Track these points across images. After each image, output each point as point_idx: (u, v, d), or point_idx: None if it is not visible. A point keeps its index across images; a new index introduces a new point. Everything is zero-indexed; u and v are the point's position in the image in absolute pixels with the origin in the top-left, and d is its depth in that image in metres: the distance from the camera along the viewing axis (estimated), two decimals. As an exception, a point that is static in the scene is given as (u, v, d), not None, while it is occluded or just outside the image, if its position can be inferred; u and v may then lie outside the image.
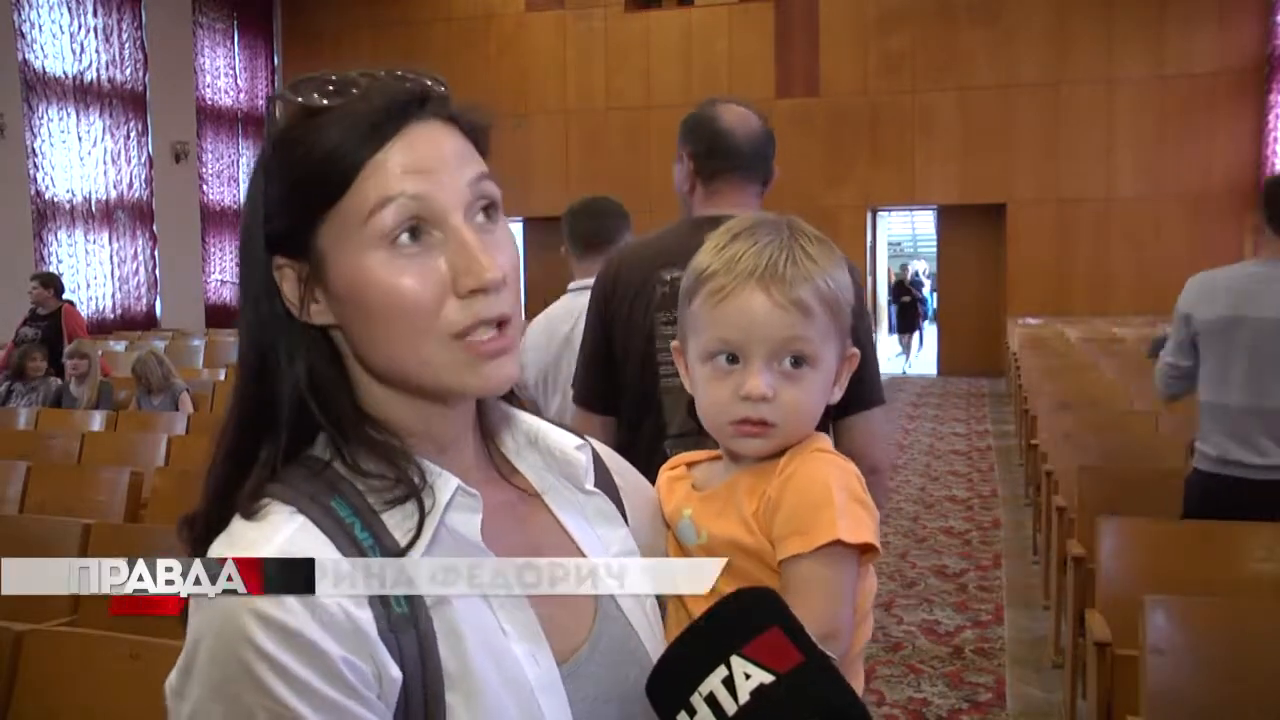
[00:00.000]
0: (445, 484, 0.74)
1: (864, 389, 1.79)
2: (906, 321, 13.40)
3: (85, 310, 11.21)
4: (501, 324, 0.73)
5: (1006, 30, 13.15)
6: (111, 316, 12.45)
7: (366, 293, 0.71)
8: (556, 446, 0.87)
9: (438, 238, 0.72)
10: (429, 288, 0.71)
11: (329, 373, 0.76)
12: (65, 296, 8.09)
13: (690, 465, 0.98)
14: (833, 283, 0.88)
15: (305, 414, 0.75)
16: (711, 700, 0.70)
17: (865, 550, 0.84)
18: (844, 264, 0.91)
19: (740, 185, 1.95)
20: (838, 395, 0.93)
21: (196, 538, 0.74)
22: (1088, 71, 12.96)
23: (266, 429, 0.75)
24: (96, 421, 5.56)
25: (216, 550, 0.69)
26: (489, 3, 15.05)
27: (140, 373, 5.97)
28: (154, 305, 13.28)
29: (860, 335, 2.36)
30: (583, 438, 0.90)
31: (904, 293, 13.34)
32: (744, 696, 0.69)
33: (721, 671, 0.70)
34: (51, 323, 7.40)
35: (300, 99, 0.73)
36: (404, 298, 0.71)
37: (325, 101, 0.72)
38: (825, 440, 0.91)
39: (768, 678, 0.69)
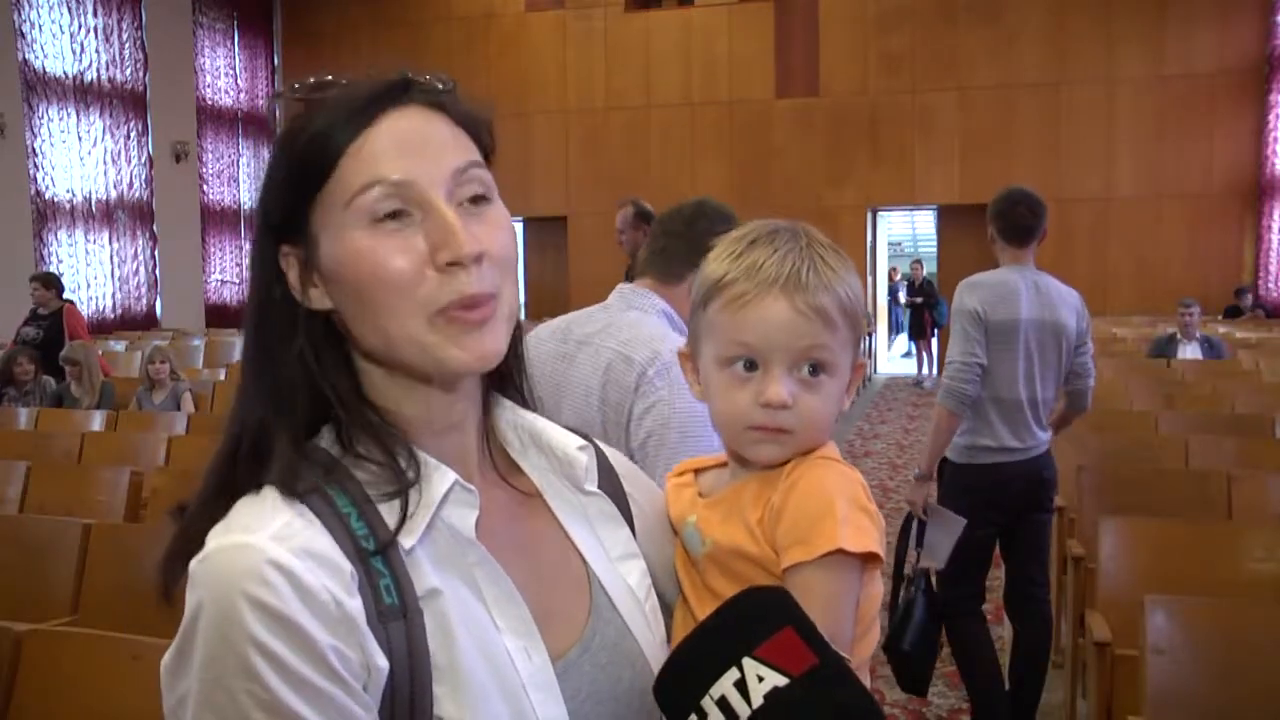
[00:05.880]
0: (443, 478, 0.75)
1: None
2: (917, 326, 13.32)
3: (85, 310, 11.20)
4: (486, 299, 0.74)
5: (1006, 30, 13.15)
6: (111, 316, 12.45)
7: (349, 268, 0.73)
8: (559, 446, 0.87)
9: (417, 217, 0.74)
10: (408, 261, 0.72)
11: (329, 355, 0.77)
12: (66, 296, 8.08)
13: (698, 472, 0.98)
14: (851, 293, 0.88)
15: (309, 397, 0.76)
16: (724, 704, 0.68)
17: (869, 559, 0.83)
18: (855, 273, 0.92)
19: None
20: (848, 403, 0.92)
21: (190, 522, 0.74)
22: (1088, 71, 12.96)
23: (273, 417, 0.75)
24: (96, 421, 5.55)
25: (215, 535, 0.69)
26: (489, 3, 15.04)
27: (154, 359, 6.04)
28: (154, 305, 13.28)
29: None
30: (587, 439, 0.90)
31: (915, 293, 13.28)
32: (757, 700, 0.67)
33: (733, 674, 0.68)
34: (53, 322, 7.40)
35: (295, 95, 0.77)
36: (383, 268, 0.72)
37: (315, 95, 0.77)
38: (832, 448, 0.90)
39: (781, 680, 0.68)
